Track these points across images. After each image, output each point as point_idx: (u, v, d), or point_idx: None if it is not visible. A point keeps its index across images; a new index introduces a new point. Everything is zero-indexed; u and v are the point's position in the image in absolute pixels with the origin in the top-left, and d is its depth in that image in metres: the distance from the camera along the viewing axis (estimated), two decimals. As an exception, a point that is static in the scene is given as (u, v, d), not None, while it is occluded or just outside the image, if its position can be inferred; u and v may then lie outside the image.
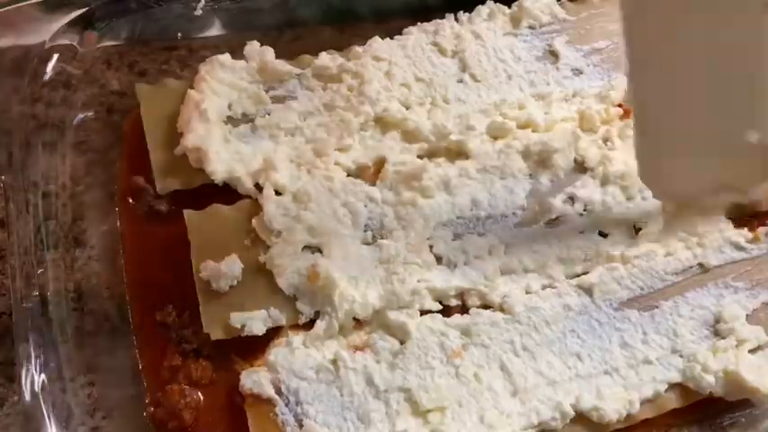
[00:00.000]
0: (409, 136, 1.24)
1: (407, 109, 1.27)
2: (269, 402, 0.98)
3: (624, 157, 1.23)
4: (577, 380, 1.03)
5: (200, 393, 1.02)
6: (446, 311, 1.08)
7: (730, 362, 1.04)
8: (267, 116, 1.23)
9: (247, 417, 0.98)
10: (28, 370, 0.96)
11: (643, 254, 1.13)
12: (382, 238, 1.12)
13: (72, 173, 1.18)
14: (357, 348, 1.03)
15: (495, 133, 1.26)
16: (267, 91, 1.26)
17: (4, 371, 1.04)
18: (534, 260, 1.13)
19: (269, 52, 1.29)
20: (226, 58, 1.27)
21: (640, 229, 1.18)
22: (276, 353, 1.02)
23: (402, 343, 1.03)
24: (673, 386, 1.04)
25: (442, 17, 1.39)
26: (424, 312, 1.07)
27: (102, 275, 1.11)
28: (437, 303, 1.08)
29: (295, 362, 1.01)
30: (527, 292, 1.10)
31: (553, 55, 1.37)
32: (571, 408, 1.00)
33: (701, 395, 1.04)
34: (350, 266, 1.08)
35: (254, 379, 0.99)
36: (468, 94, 1.30)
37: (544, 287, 1.11)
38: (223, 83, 1.24)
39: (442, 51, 1.35)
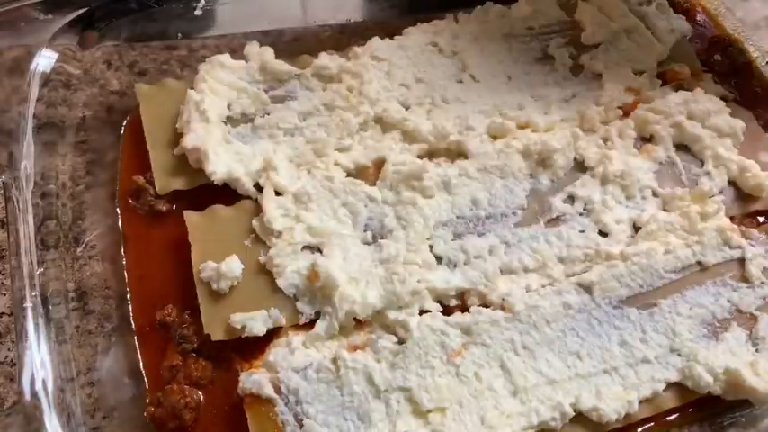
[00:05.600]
0: (409, 136, 1.24)
1: (407, 109, 1.27)
2: (269, 402, 0.98)
3: (624, 157, 1.23)
4: (577, 379, 1.03)
5: (200, 393, 1.02)
6: (446, 311, 1.08)
7: (729, 361, 1.04)
8: (267, 116, 1.23)
9: (247, 416, 0.98)
10: (28, 370, 0.96)
11: (642, 252, 1.13)
12: (382, 238, 1.12)
13: (72, 173, 1.18)
14: (357, 348, 1.03)
15: (495, 133, 1.26)
16: (267, 91, 1.26)
17: (4, 371, 1.04)
18: (534, 260, 1.13)
19: (269, 52, 1.30)
20: (226, 58, 1.27)
21: (640, 227, 1.18)
22: (276, 353, 1.02)
23: (402, 342, 1.03)
24: (671, 385, 1.05)
25: (442, 17, 1.40)
26: (423, 312, 1.07)
27: (102, 275, 1.11)
28: (437, 304, 1.08)
29: (295, 362, 1.01)
30: (527, 291, 1.10)
31: (552, 56, 1.37)
32: (571, 408, 1.00)
33: (698, 394, 1.04)
34: (350, 266, 1.08)
35: (254, 379, 0.99)
36: (468, 95, 1.30)
37: (544, 286, 1.11)
38: (223, 83, 1.24)
39: (441, 52, 1.35)
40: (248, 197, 1.16)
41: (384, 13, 1.45)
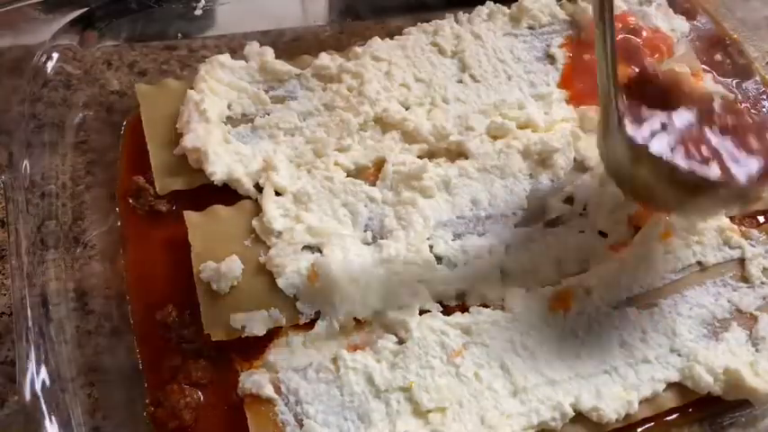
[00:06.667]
0: (409, 136, 1.24)
1: (407, 109, 1.27)
2: (269, 402, 0.98)
3: (624, 157, 1.23)
4: (577, 379, 1.03)
5: (200, 393, 1.02)
6: (446, 311, 1.08)
7: (729, 361, 1.04)
8: (267, 116, 1.23)
9: (247, 417, 0.98)
10: (28, 370, 0.96)
11: (643, 252, 1.13)
12: (382, 238, 1.12)
13: (72, 173, 1.18)
14: (357, 348, 1.03)
15: (495, 133, 1.26)
16: (267, 91, 1.26)
17: (4, 371, 1.04)
18: (534, 260, 1.13)
19: (269, 52, 1.30)
20: (226, 58, 1.27)
21: (640, 227, 1.18)
22: (276, 353, 1.02)
23: (402, 342, 1.03)
24: (671, 385, 1.05)
25: (442, 17, 1.40)
26: (423, 312, 1.07)
27: (102, 275, 1.11)
28: (437, 304, 1.08)
29: (295, 362, 1.01)
30: (527, 291, 1.10)
31: (553, 55, 1.37)
32: (571, 408, 1.00)
33: (698, 394, 1.04)
34: (350, 266, 1.08)
35: (254, 379, 0.99)
36: (468, 95, 1.30)
37: (544, 286, 1.11)
38: (223, 83, 1.24)
39: (441, 52, 1.35)
40: (248, 197, 1.16)
41: (384, 13, 1.44)
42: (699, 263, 1.14)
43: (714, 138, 0.96)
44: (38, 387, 0.95)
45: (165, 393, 1.00)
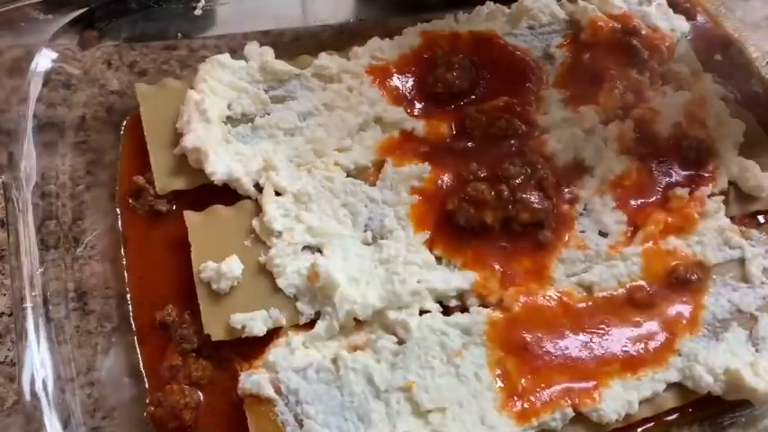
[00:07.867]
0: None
1: (407, 109, 1.27)
2: (269, 402, 0.98)
3: (623, 157, 1.23)
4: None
5: (200, 393, 1.02)
6: (446, 311, 1.08)
7: (729, 361, 1.04)
8: (267, 116, 1.23)
9: (247, 417, 0.98)
10: (28, 370, 0.96)
11: (642, 252, 1.13)
12: (382, 239, 1.12)
13: (72, 173, 1.18)
14: (357, 348, 1.03)
15: (496, 132, 1.26)
16: (267, 91, 1.26)
17: (4, 371, 1.04)
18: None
19: (269, 52, 1.30)
20: (226, 58, 1.27)
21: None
22: (276, 353, 1.02)
23: (402, 342, 1.03)
24: (671, 385, 1.05)
25: (442, 17, 1.39)
26: (423, 312, 1.07)
27: (102, 275, 1.11)
28: (437, 304, 1.08)
29: (295, 362, 1.01)
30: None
31: (552, 55, 1.37)
32: (571, 408, 1.00)
33: (698, 394, 1.04)
34: (350, 266, 1.08)
35: (254, 379, 0.99)
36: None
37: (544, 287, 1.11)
38: (223, 83, 1.24)
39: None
40: (248, 197, 1.16)
41: (384, 13, 1.45)
42: (699, 263, 1.14)
43: None
44: (38, 387, 0.95)
45: (164, 393, 1.00)
